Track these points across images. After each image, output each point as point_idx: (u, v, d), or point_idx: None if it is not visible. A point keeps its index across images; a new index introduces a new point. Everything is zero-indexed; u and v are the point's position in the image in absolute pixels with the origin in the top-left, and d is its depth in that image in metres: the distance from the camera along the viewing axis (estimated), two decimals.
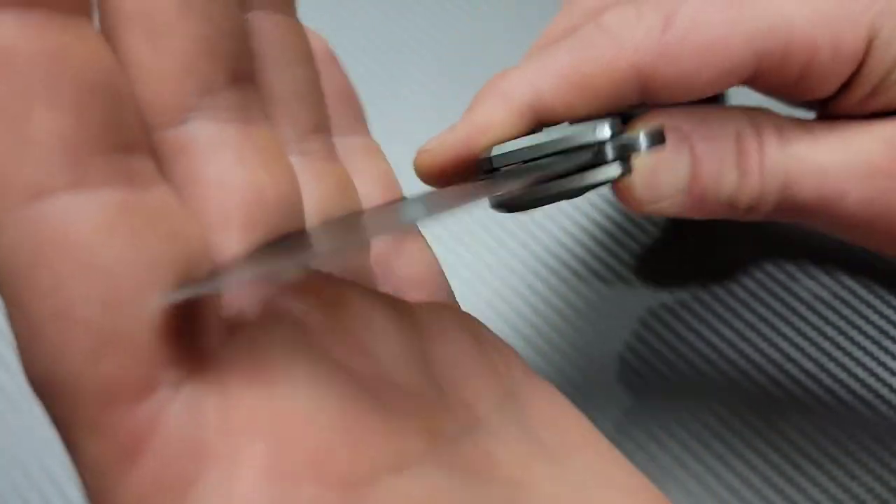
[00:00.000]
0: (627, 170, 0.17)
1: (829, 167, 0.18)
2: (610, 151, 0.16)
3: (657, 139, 0.16)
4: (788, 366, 0.24)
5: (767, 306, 0.25)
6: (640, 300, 0.25)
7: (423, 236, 0.17)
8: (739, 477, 0.23)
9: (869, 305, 0.25)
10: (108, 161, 0.11)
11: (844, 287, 0.25)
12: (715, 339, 0.25)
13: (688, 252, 0.26)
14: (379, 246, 0.16)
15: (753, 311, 0.25)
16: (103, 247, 0.10)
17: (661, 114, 0.19)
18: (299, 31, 0.15)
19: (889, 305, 0.25)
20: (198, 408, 0.11)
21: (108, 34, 0.12)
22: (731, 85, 0.18)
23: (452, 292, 0.17)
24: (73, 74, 0.10)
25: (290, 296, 0.13)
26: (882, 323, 0.24)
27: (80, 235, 0.10)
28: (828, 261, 0.25)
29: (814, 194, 0.19)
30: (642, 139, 0.16)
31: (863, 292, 0.25)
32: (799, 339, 0.24)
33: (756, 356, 0.24)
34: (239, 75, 0.13)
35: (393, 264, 0.16)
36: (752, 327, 0.25)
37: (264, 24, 0.15)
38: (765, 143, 0.19)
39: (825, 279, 0.25)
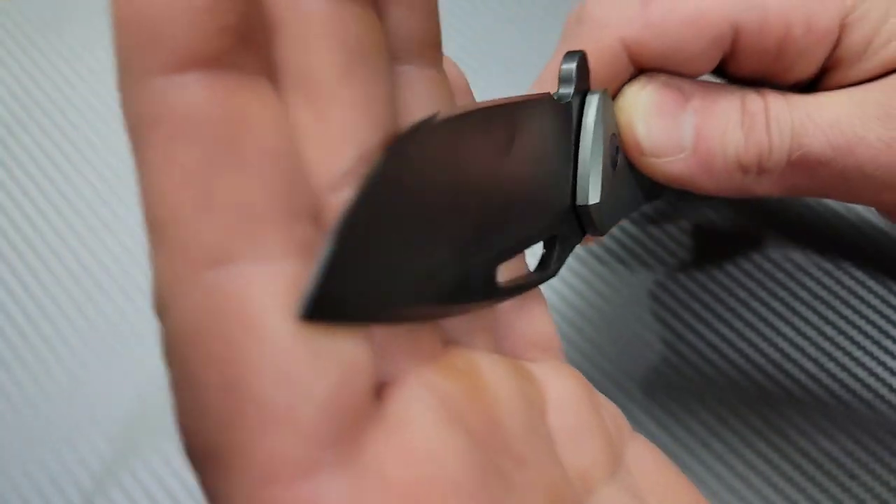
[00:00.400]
0: (606, 93, 0.18)
1: (841, 117, 0.18)
2: (566, 87, 0.17)
3: (572, 55, 0.17)
4: (788, 366, 0.24)
5: (767, 306, 0.25)
6: (640, 300, 0.25)
7: (543, 296, 0.17)
8: (739, 477, 0.23)
9: (869, 305, 0.25)
10: (288, 229, 0.10)
11: (844, 287, 0.25)
12: (715, 339, 0.25)
13: (686, 252, 0.26)
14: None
15: (753, 311, 0.25)
16: (280, 321, 0.10)
17: (663, 76, 0.19)
18: (446, 85, 0.15)
19: (889, 305, 0.25)
20: (358, 490, 0.10)
21: None
22: (717, 57, 0.19)
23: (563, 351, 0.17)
24: (257, 139, 0.10)
25: (427, 367, 0.12)
26: (882, 323, 0.24)
27: (258, 308, 0.10)
28: (827, 261, 0.25)
29: (827, 145, 0.18)
30: (563, 62, 0.17)
31: (862, 292, 0.25)
32: (798, 339, 0.24)
33: (756, 356, 0.24)
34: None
35: (514, 323, 0.16)
36: (752, 327, 0.25)
37: (416, 80, 0.14)
38: (770, 102, 0.19)
39: (825, 279, 0.25)
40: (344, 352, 0.10)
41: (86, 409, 0.25)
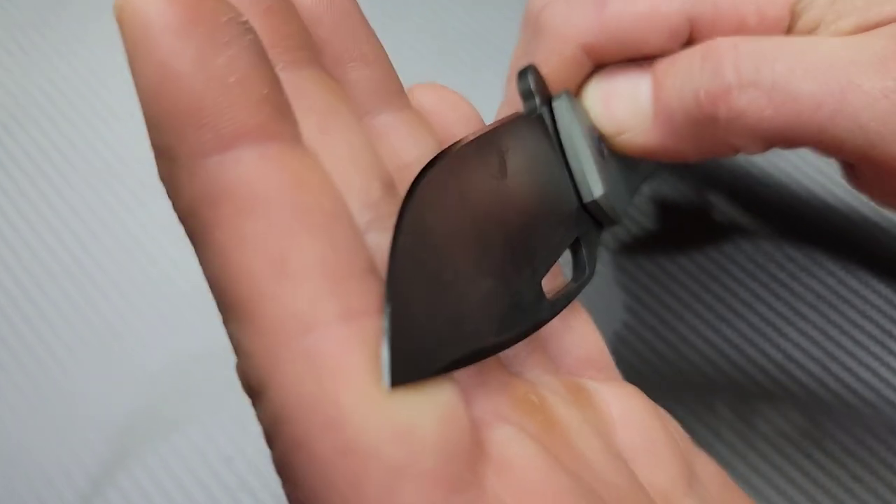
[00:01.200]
0: (569, 93, 0.18)
1: (837, 60, 0.17)
2: (531, 102, 0.18)
3: (525, 72, 0.18)
4: (791, 367, 0.24)
5: (770, 307, 0.25)
6: (641, 301, 0.25)
7: (584, 310, 0.17)
8: (741, 478, 0.23)
9: (873, 306, 0.25)
10: (364, 283, 0.11)
11: (847, 287, 0.25)
12: (717, 340, 0.24)
13: (689, 252, 0.26)
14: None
15: (756, 312, 0.25)
16: (381, 378, 0.10)
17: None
18: (423, 121, 0.16)
19: (893, 305, 0.24)
20: None
21: None
22: (675, 49, 0.19)
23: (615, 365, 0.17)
24: (316, 201, 0.10)
25: (505, 404, 0.12)
26: (886, 323, 0.24)
27: (360, 370, 0.10)
28: (831, 261, 0.25)
29: (819, 87, 0.17)
30: (518, 81, 0.18)
31: (866, 292, 0.25)
32: (802, 340, 0.24)
33: (759, 357, 0.24)
34: (387, 181, 0.13)
35: (564, 341, 0.16)
36: (755, 328, 0.24)
37: (395, 124, 0.15)
38: (740, 43, 0.18)
39: (828, 280, 0.25)
40: (439, 398, 0.11)
41: (83, 411, 0.25)
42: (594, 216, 0.18)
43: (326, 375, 0.10)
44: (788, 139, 0.18)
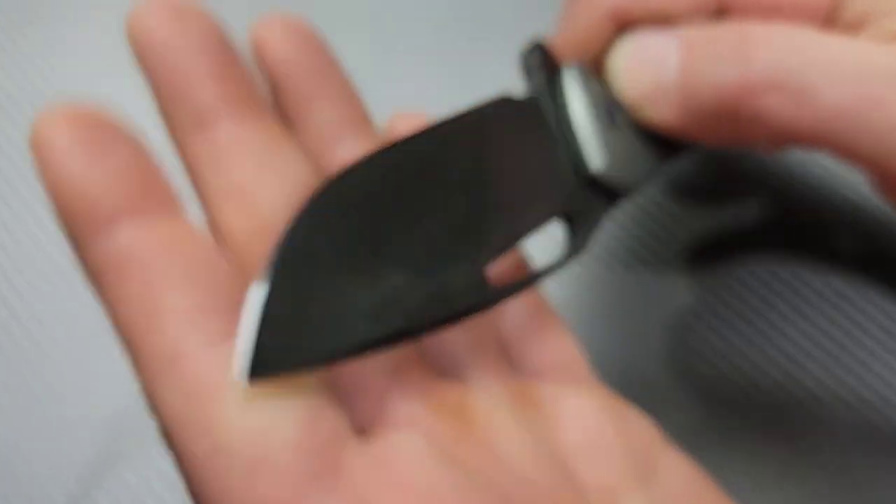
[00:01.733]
0: (578, 65, 0.18)
1: (869, 70, 0.16)
2: (531, 78, 0.18)
3: (530, 50, 0.18)
4: (792, 367, 0.24)
5: (772, 307, 0.25)
6: (642, 305, 0.25)
7: (556, 314, 0.17)
8: (744, 481, 0.23)
9: (876, 306, 0.24)
10: (227, 316, 0.13)
11: (851, 287, 0.25)
12: (718, 342, 0.24)
13: (690, 253, 0.26)
14: (514, 322, 0.17)
15: (758, 313, 0.25)
16: (238, 388, 0.12)
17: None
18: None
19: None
20: None
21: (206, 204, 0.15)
22: (709, 10, 0.19)
23: (591, 369, 0.17)
24: (184, 256, 0.13)
25: (417, 406, 0.14)
26: (889, 325, 0.24)
27: (221, 384, 0.12)
28: (834, 261, 0.25)
29: (843, 98, 0.16)
30: (522, 57, 0.18)
31: (870, 293, 0.25)
32: (804, 342, 0.24)
33: (759, 359, 0.24)
34: None
35: (534, 349, 0.17)
36: (757, 329, 0.24)
37: (357, 151, 0.16)
38: (774, 34, 0.17)
39: (831, 279, 0.25)
40: (301, 402, 0.12)
41: (73, 411, 0.25)
42: (599, 191, 0.17)
43: (193, 393, 0.12)
44: (809, 144, 0.17)
